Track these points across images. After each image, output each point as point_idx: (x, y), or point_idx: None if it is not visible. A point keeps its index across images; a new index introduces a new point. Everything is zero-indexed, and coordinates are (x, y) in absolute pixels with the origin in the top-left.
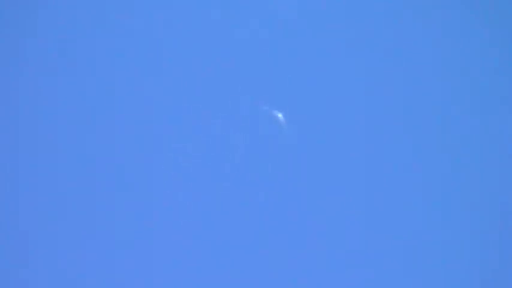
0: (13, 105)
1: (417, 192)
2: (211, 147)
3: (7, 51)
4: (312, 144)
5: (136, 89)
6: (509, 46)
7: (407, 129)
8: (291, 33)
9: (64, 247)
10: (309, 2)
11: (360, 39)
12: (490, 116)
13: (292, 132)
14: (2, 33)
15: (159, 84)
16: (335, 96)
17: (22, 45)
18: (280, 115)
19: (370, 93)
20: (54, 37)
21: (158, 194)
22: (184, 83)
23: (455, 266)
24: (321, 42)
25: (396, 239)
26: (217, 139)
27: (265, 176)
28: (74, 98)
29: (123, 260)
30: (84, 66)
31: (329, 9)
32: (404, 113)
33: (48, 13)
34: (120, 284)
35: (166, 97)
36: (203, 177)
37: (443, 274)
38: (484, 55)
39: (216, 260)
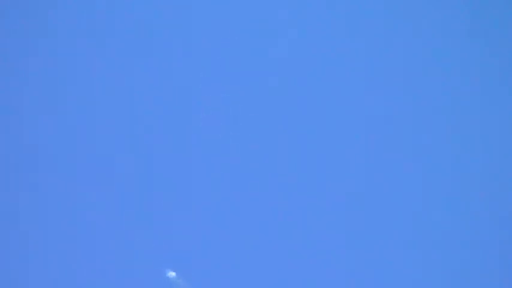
0: (12, 104)
1: (414, 192)
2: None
3: (7, 51)
4: (311, 145)
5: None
6: (509, 46)
7: (405, 132)
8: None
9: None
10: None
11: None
12: (490, 116)
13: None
14: (3, 34)
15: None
16: (333, 98)
17: (23, 45)
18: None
19: (367, 95)
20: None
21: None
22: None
23: (456, 266)
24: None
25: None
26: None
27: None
28: (75, 99)
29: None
30: (84, 67)
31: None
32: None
33: (50, 15)
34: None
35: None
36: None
37: (443, 273)
38: (484, 55)
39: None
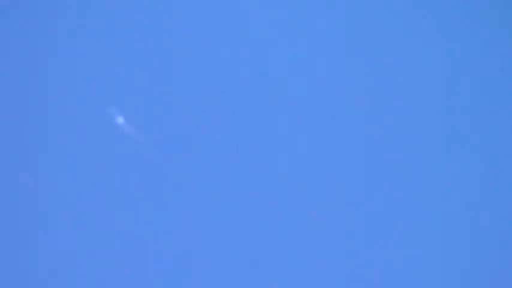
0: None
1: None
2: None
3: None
4: (311, 144)
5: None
6: (509, 46)
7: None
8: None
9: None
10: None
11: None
12: (489, 117)
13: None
14: (4, 33)
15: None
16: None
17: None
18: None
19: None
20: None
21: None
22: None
23: (455, 266)
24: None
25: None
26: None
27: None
28: (76, 99)
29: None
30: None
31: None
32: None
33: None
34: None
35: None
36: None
37: (442, 274)
38: (484, 55)
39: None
